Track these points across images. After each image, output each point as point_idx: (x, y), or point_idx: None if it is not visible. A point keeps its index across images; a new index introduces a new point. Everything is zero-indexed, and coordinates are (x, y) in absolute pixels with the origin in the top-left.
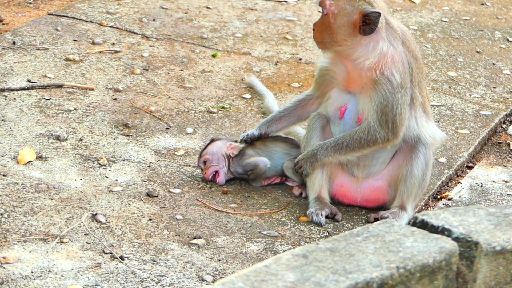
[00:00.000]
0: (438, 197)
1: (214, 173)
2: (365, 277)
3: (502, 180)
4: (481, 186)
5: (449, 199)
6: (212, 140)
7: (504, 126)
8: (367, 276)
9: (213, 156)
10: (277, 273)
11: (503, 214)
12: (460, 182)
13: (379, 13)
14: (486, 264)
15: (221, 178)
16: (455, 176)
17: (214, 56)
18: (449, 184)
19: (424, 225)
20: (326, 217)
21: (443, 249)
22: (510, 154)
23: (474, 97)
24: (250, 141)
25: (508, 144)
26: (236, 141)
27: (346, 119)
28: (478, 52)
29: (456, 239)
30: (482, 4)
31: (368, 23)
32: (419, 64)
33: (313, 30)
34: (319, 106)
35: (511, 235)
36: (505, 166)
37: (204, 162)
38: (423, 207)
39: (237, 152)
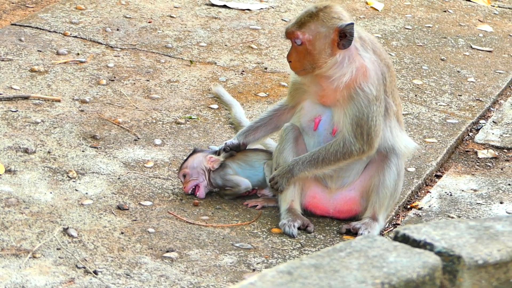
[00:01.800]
0: (408, 206)
1: (194, 187)
2: None
3: (471, 189)
4: (450, 195)
5: (419, 209)
6: (194, 151)
7: (471, 134)
8: None
9: (193, 170)
10: None
11: (484, 227)
12: (429, 192)
13: (353, 24)
14: (468, 278)
15: (201, 192)
16: (424, 185)
17: (191, 63)
18: (419, 193)
19: (406, 240)
20: (298, 228)
21: (426, 264)
22: (478, 162)
23: (440, 105)
24: (229, 150)
25: (476, 153)
26: (216, 152)
27: (320, 130)
28: (442, 59)
29: (439, 253)
30: (445, 11)
31: (344, 37)
32: (391, 72)
33: (289, 61)
34: (293, 115)
35: (492, 249)
36: (473, 174)
37: (184, 176)
38: (394, 217)
39: (218, 166)
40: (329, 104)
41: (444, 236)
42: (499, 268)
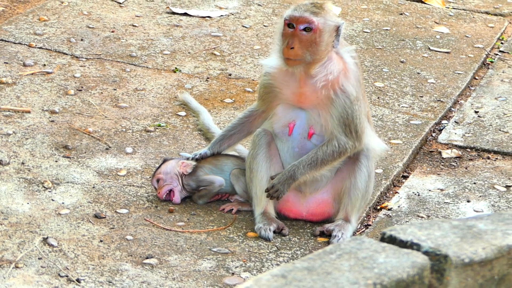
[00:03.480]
0: (378, 207)
1: (168, 192)
2: None
3: (438, 189)
4: (418, 195)
5: (388, 209)
6: (165, 160)
7: (434, 134)
8: None
9: (166, 175)
10: None
11: (467, 227)
12: (397, 192)
13: (342, 23)
14: (455, 277)
15: (176, 197)
16: (392, 186)
17: (175, 70)
18: (387, 194)
19: (392, 240)
20: (274, 231)
21: (415, 264)
22: (442, 162)
23: (403, 107)
24: (202, 159)
25: (440, 153)
26: (188, 158)
27: (294, 135)
28: (402, 62)
29: (426, 253)
30: (401, 14)
31: (337, 35)
32: (361, 74)
33: (291, 48)
34: (265, 120)
35: (477, 247)
36: (438, 174)
37: (158, 181)
38: (365, 218)
39: (190, 170)
40: (307, 106)
41: (429, 236)
42: (484, 266)
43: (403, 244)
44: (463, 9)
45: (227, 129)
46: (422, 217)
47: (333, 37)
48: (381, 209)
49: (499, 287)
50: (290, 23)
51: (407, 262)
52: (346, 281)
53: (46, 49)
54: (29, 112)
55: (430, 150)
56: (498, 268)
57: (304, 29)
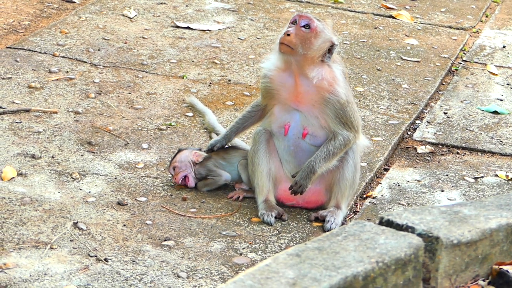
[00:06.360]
0: (364, 196)
1: (183, 177)
2: (352, 271)
3: (415, 180)
4: (398, 185)
5: (373, 198)
6: (180, 150)
7: (409, 133)
8: (354, 270)
9: (181, 163)
10: (278, 271)
11: (454, 212)
12: (380, 183)
13: (337, 45)
14: (446, 256)
15: (190, 182)
16: (375, 177)
17: (184, 77)
18: (371, 184)
19: (390, 224)
20: (275, 217)
21: (411, 244)
22: (418, 157)
23: (381, 108)
24: (216, 150)
25: (415, 149)
26: (200, 149)
27: (290, 136)
28: (378, 69)
29: (420, 235)
30: (375, 28)
31: (329, 51)
32: (349, 84)
33: (288, 35)
34: (265, 119)
35: (464, 230)
36: (415, 167)
37: (174, 168)
38: (353, 206)
39: (202, 159)
40: (302, 106)
41: (422, 220)
42: (470, 247)
43: (399, 227)
44: (429, 24)
45: (237, 121)
46: (403, 204)
47: (326, 46)
48: (366, 197)
49: (483, 265)
50: (294, 20)
51: (404, 243)
52: (352, 259)
53: (68, 58)
54: (56, 112)
55: (407, 146)
56: (481, 248)
57: (304, 26)
